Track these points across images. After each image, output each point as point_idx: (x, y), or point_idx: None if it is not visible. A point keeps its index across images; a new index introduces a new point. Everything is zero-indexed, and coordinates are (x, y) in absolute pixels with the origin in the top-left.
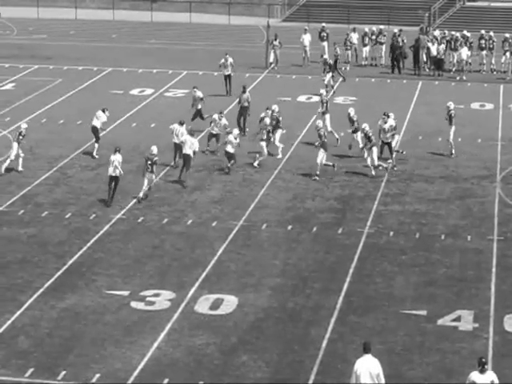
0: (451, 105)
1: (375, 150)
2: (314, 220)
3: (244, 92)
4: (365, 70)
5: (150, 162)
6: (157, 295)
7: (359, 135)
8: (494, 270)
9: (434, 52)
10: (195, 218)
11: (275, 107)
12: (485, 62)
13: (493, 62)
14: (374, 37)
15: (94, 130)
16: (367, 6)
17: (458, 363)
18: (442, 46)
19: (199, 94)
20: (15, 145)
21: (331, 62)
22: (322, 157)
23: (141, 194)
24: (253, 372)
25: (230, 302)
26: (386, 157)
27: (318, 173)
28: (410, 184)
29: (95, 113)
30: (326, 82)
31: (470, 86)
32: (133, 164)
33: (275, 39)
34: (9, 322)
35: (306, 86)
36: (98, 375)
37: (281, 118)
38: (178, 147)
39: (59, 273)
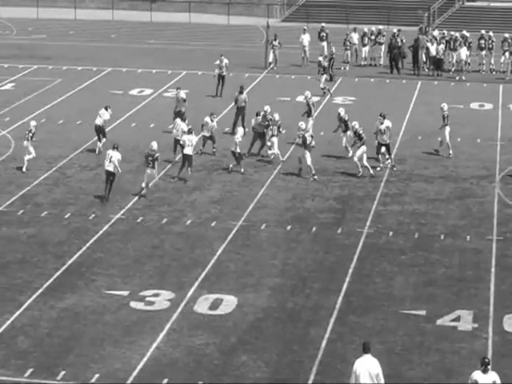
0: (445, 106)
1: (363, 148)
2: (313, 220)
3: (241, 93)
4: (364, 70)
5: (150, 159)
6: (156, 295)
7: (348, 134)
8: (493, 269)
9: (433, 52)
10: (195, 218)
11: (267, 108)
12: (484, 62)
13: (492, 62)
14: (373, 37)
15: (98, 129)
16: (366, 6)
17: (457, 363)
18: (442, 46)
19: (182, 95)
20: (27, 144)
21: (325, 64)
22: (310, 158)
23: (143, 186)
24: (252, 372)
25: (229, 302)
26: (372, 156)
27: (314, 172)
28: (410, 184)
29: (98, 112)
30: (321, 86)
31: (469, 85)
32: (132, 164)
33: (275, 39)
34: (8, 322)
35: (306, 86)
36: (97, 375)
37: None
38: (178, 142)
39: (58, 273)
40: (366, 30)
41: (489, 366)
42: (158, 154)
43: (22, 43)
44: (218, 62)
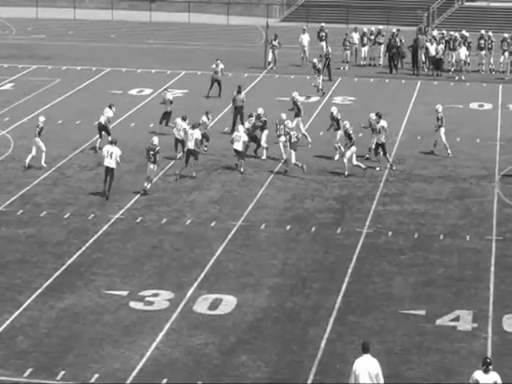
0: (439, 107)
1: (353, 149)
2: (312, 220)
3: (239, 92)
4: (363, 70)
5: (152, 153)
6: (156, 295)
7: (339, 134)
8: (492, 269)
9: (432, 52)
10: (194, 217)
11: (261, 110)
12: (484, 61)
13: (491, 61)
14: (372, 37)
15: (100, 127)
16: (366, 6)
17: (456, 363)
18: (441, 46)
19: (169, 96)
20: (37, 140)
21: (320, 66)
22: (294, 157)
23: (147, 185)
24: (252, 372)
25: (228, 302)
26: (361, 154)
27: (301, 165)
28: (409, 184)
29: (98, 112)
30: (320, 87)
31: (468, 85)
32: (132, 164)
33: (275, 39)
34: (7, 322)
35: (305, 86)
36: (96, 375)
37: (267, 120)
38: (179, 141)
39: (58, 273)
40: (365, 29)
41: (490, 366)
42: (158, 148)
43: (21, 43)
44: (213, 66)
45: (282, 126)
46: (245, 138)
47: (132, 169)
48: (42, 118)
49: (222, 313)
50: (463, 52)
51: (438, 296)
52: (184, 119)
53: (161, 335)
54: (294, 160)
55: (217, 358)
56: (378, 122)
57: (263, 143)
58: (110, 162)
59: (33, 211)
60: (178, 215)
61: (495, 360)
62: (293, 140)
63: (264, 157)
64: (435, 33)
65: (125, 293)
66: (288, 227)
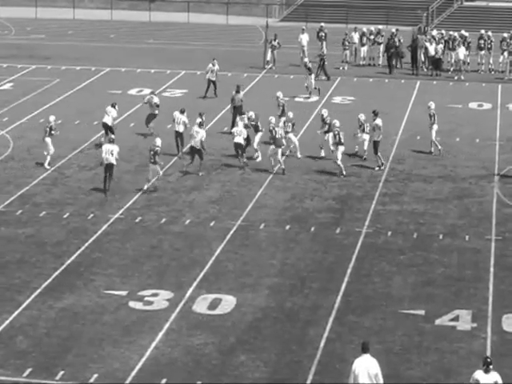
0: (432, 104)
1: (342, 148)
2: (312, 220)
3: (238, 92)
4: (363, 69)
5: (152, 153)
6: (155, 295)
7: (330, 136)
8: (492, 269)
9: (431, 52)
10: (193, 217)
11: (251, 114)
12: (483, 61)
13: (491, 61)
14: (372, 37)
15: (105, 126)
16: (365, 6)
17: (456, 363)
18: (440, 46)
19: (156, 100)
20: (48, 140)
21: (310, 65)
22: (277, 153)
23: (145, 187)
24: (251, 372)
25: (228, 302)
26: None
27: (283, 167)
28: (408, 184)
29: (99, 111)
30: (313, 86)
31: (468, 85)
32: (131, 164)
33: (274, 39)
34: (7, 321)
35: (304, 86)
36: (96, 375)
37: (259, 123)
38: (179, 135)
39: (57, 273)
40: (364, 29)
41: (491, 366)
42: (157, 148)
43: (20, 43)
44: (210, 65)
45: (289, 124)
46: (245, 133)
47: (131, 169)
48: (52, 118)
49: (222, 313)
50: (462, 52)
51: (438, 296)
52: (182, 112)
53: (160, 335)
54: (279, 157)
55: (216, 357)
56: (373, 120)
57: (255, 145)
58: (110, 159)
59: (32, 211)
60: (177, 215)
61: (494, 360)
62: (277, 136)
63: (259, 158)
64: (434, 32)
65: (124, 293)
66: (287, 227)
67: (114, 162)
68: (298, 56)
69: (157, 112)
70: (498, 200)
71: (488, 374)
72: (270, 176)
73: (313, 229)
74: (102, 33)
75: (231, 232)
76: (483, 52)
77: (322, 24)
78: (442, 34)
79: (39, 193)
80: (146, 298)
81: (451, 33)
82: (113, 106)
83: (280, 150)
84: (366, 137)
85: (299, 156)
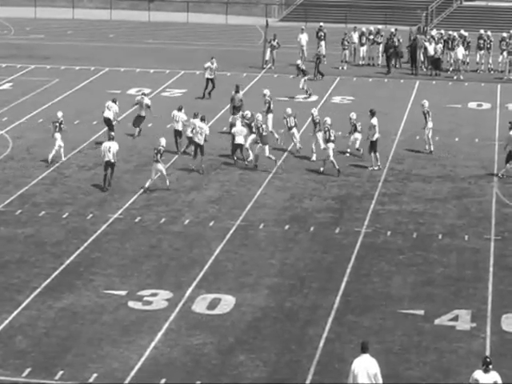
0: (426, 102)
1: (331, 146)
2: (311, 220)
3: (237, 92)
4: (362, 69)
5: (155, 152)
6: (154, 295)
7: (321, 135)
8: (491, 269)
9: (431, 51)
10: (192, 217)
11: (247, 112)
12: (482, 61)
13: (490, 61)
14: (371, 36)
15: (107, 121)
16: (365, 6)
17: (455, 363)
18: (440, 46)
19: (147, 101)
20: (58, 135)
21: (303, 67)
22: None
23: (146, 184)
24: (250, 372)
25: (227, 302)
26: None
27: (274, 158)
28: (408, 184)
29: (98, 109)
30: (300, 86)
31: (467, 85)
32: (131, 164)
33: (274, 39)
34: (6, 321)
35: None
36: (95, 375)
37: (253, 124)
38: (178, 134)
39: (56, 272)
40: (364, 29)
41: (490, 366)
42: (160, 148)
43: (19, 43)
44: (208, 63)
45: (291, 119)
46: (245, 131)
47: (131, 168)
48: (60, 114)
49: (221, 312)
50: (460, 52)
51: (437, 296)
52: (180, 109)
53: (159, 335)
54: (267, 153)
55: (215, 357)
56: (370, 119)
57: (247, 145)
58: (110, 157)
59: (31, 211)
60: (176, 215)
61: (494, 360)
62: (264, 134)
63: (250, 158)
64: (434, 32)
65: (123, 292)
66: (287, 227)
67: (113, 160)
68: (298, 56)
69: (143, 114)
70: (497, 200)
71: (487, 374)
72: (269, 176)
73: (312, 229)
74: (102, 33)
75: (230, 232)
76: (482, 52)
77: (322, 24)
78: (442, 33)
79: (38, 193)
80: (145, 298)
81: (450, 32)
82: (114, 101)
83: (267, 147)
84: (359, 136)
85: (300, 146)
